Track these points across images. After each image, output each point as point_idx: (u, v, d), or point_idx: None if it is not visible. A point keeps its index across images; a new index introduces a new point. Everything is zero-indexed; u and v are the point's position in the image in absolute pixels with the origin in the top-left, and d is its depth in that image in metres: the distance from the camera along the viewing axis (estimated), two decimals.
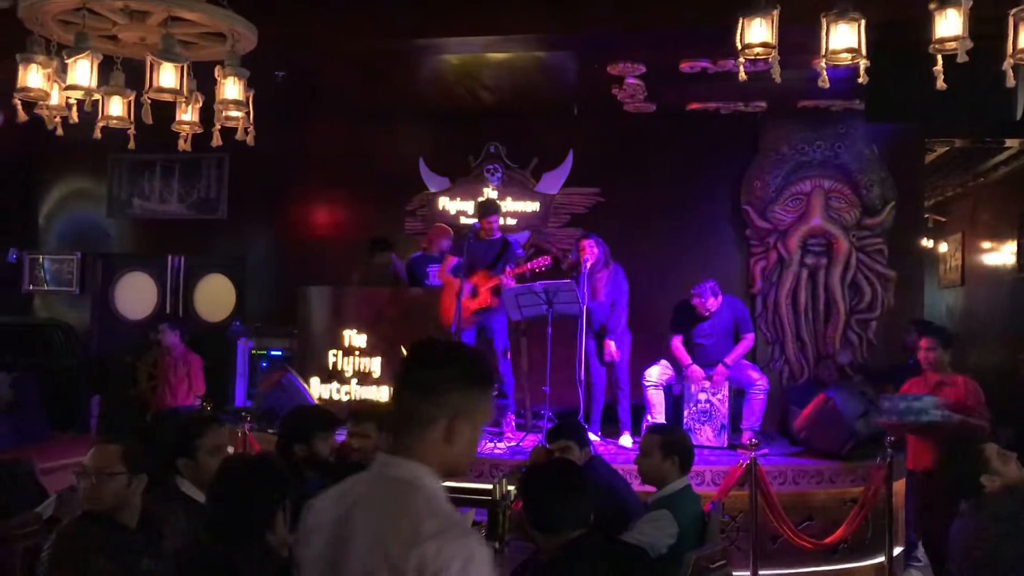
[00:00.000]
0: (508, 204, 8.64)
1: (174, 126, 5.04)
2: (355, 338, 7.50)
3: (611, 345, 6.84)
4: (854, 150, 8.18)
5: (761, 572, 5.61)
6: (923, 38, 3.96)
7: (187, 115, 4.99)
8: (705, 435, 6.67)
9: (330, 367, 7.50)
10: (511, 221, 8.63)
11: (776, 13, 4.03)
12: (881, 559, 6.04)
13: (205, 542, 2.69)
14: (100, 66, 4.39)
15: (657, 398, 6.75)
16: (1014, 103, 5.50)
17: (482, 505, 4.19)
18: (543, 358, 6.59)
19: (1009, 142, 8.66)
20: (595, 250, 6.78)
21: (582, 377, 6.67)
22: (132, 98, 4.77)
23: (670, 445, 3.99)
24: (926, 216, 10.34)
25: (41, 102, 4.67)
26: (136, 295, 10.12)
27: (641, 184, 8.51)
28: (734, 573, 4.34)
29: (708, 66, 6.90)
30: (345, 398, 7.33)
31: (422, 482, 1.80)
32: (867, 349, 8.07)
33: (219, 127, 4.97)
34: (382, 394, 7.31)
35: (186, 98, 4.47)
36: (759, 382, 6.72)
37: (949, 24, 3.85)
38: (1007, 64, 3.87)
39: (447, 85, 8.00)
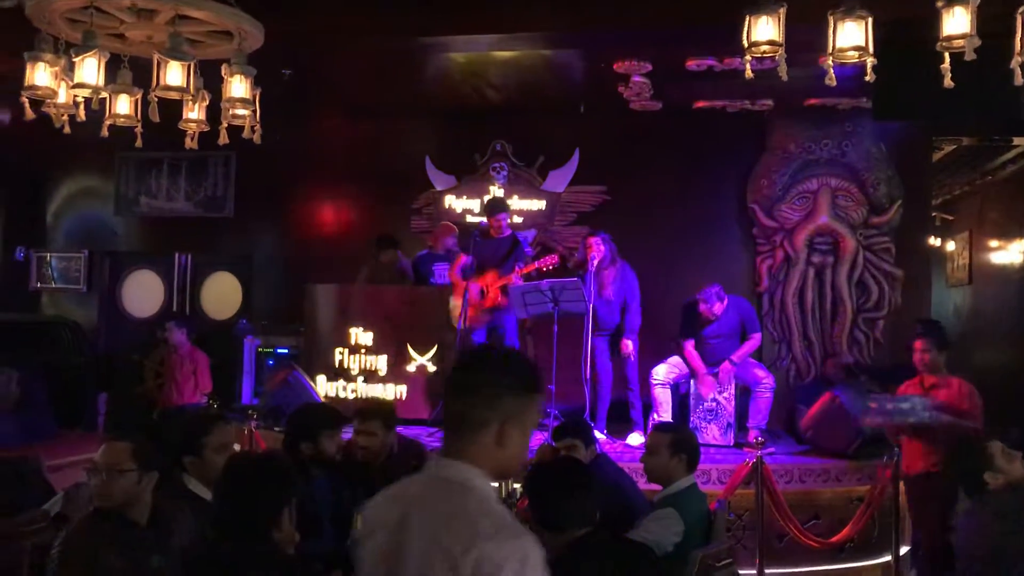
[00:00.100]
0: (514, 202, 8.62)
1: (181, 124, 5.05)
2: (361, 336, 7.50)
3: (628, 344, 6.83)
4: (861, 148, 8.16)
5: (767, 571, 5.60)
6: (931, 36, 3.96)
7: (194, 113, 5.01)
8: (711, 433, 6.67)
9: (336, 365, 7.51)
10: (517, 219, 8.62)
11: (783, 11, 4.03)
12: (888, 558, 6.03)
13: (212, 539, 2.70)
14: (107, 64, 4.41)
15: (664, 396, 6.74)
16: (1022, 101, 5.47)
17: None
18: (549, 356, 6.59)
19: (1017, 140, 8.63)
20: (601, 248, 6.76)
21: (588, 375, 6.67)
22: (139, 96, 4.78)
23: (678, 443, 3.98)
24: (933, 215, 10.29)
25: (49, 100, 4.69)
26: (143, 293, 10.15)
27: (647, 182, 8.50)
28: (740, 572, 4.33)
29: (715, 64, 6.88)
30: (351, 396, 7.34)
31: (474, 483, 1.84)
32: (874, 348, 8.05)
33: (226, 125, 4.98)
34: (388, 392, 7.32)
35: (193, 96, 4.48)
36: (765, 381, 6.71)
37: (957, 22, 3.84)
38: (1015, 62, 3.85)
39: (453, 83, 8.00)
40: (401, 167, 9.02)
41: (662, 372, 6.78)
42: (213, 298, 10.02)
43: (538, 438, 5.37)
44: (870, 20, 3.96)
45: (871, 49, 3.98)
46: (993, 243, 10.01)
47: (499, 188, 8.80)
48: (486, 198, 8.60)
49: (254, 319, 9.13)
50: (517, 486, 4.04)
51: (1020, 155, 9.03)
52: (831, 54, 4.01)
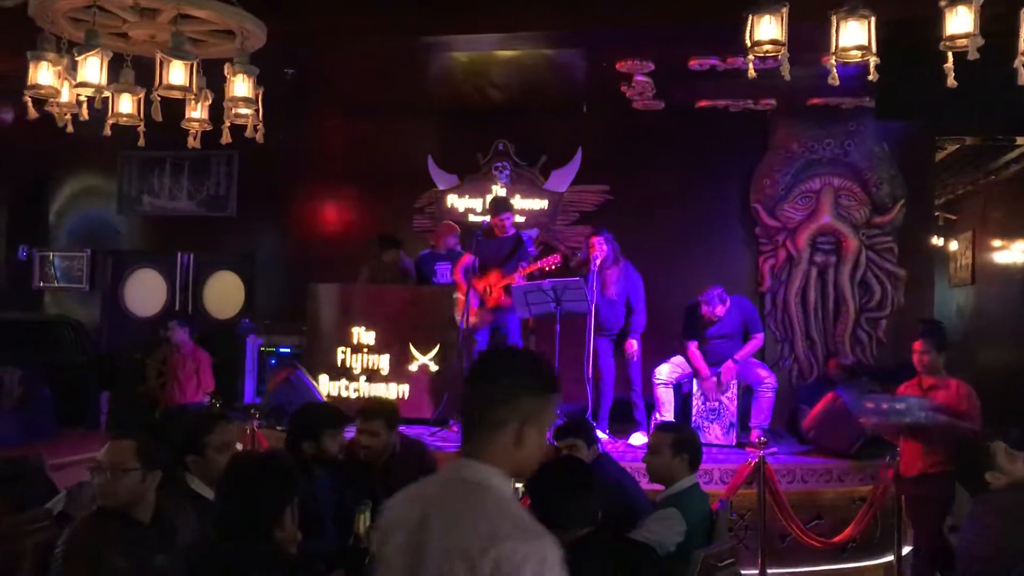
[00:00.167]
0: (517, 202, 8.61)
1: (183, 123, 5.06)
2: (363, 335, 7.50)
3: (633, 344, 6.83)
4: (864, 148, 8.15)
5: (769, 571, 5.59)
6: (934, 35, 3.95)
7: (196, 112, 5.01)
8: (714, 433, 6.66)
9: (338, 364, 7.51)
10: (520, 219, 8.62)
11: (785, 10, 4.02)
12: (890, 558, 6.03)
13: (214, 538, 2.70)
14: (110, 63, 4.41)
15: (666, 396, 6.74)
16: None
17: None
18: (552, 356, 6.58)
19: (1020, 140, 8.62)
20: (604, 247, 6.76)
21: (591, 375, 6.67)
22: (142, 95, 4.79)
23: (680, 443, 3.98)
24: (936, 214, 10.29)
25: (51, 99, 4.69)
26: (145, 292, 10.16)
27: (650, 182, 8.49)
28: (742, 572, 4.33)
29: (717, 63, 6.88)
30: (354, 395, 7.34)
31: (492, 483, 1.86)
32: (877, 348, 8.04)
33: (228, 124, 4.98)
34: (390, 391, 7.32)
35: (195, 95, 4.49)
36: (768, 380, 6.70)
37: (960, 21, 3.84)
38: (1018, 62, 3.85)
39: (456, 82, 8.00)
40: (403, 166, 9.02)
41: (665, 372, 6.78)
42: (215, 297, 10.03)
43: None
44: (873, 19, 3.96)
45: (874, 48, 3.97)
46: (996, 243, 10.00)
47: (501, 187, 8.80)
48: (488, 198, 8.61)
49: (256, 318, 9.13)
50: (519, 485, 4.04)
51: (1023, 155, 9.01)
52: (834, 53, 4.01)
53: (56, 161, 10.15)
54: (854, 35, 3.97)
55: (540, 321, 7.07)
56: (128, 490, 3.03)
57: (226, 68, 4.64)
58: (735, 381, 6.68)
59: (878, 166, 8.11)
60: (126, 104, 4.86)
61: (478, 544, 1.72)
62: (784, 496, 5.63)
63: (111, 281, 10.21)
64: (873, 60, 3.99)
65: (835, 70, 4.06)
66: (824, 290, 8.18)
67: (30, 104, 4.70)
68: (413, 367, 7.40)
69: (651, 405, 6.85)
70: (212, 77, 4.76)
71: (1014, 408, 6.52)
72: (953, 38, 3.86)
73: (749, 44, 4.06)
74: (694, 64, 6.94)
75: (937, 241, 10.67)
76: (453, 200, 8.96)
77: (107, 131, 4.92)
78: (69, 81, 4.54)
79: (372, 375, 7.45)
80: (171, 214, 10.00)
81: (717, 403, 6.70)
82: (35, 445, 6.43)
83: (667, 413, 6.68)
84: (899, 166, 8.13)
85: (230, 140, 5.00)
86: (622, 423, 6.96)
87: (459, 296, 7.07)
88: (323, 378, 7.46)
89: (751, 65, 4.13)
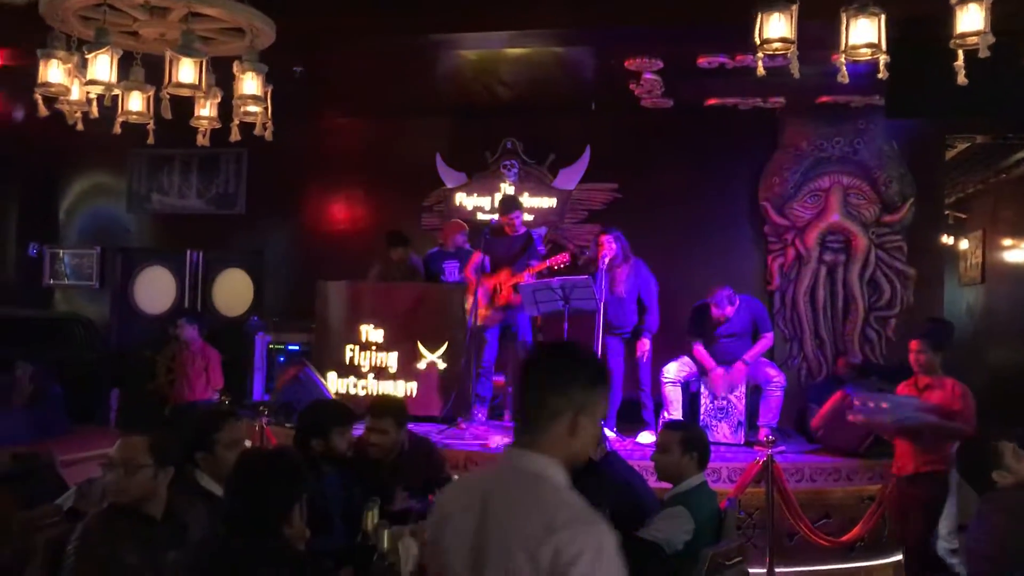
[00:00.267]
0: (525, 200, 8.60)
1: (193, 121, 5.07)
2: (372, 333, 7.51)
3: (645, 344, 6.82)
4: (873, 146, 8.12)
5: (777, 569, 5.59)
6: (944, 33, 3.94)
7: (206, 110, 5.03)
8: (722, 432, 6.65)
9: (347, 362, 7.52)
10: (528, 217, 8.62)
11: (795, 8, 4.01)
12: (898, 557, 5.99)
13: (222, 535, 2.70)
14: (120, 61, 4.43)
15: (675, 395, 6.73)
16: None
17: None
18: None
19: None
20: (613, 245, 6.75)
21: None
22: (151, 93, 4.80)
23: (689, 441, 3.98)
24: (946, 213, 10.24)
25: (62, 97, 4.71)
26: (155, 289, 10.20)
27: (658, 180, 8.48)
28: (750, 570, 4.32)
29: (726, 61, 6.87)
30: (362, 393, 7.35)
31: (547, 473, 1.90)
32: (886, 347, 8.01)
33: (237, 122, 5.00)
34: (399, 389, 7.33)
35: (205, 93, 4.50)
36: (776, 379, 6.69)
37: (971, 19, 3.82)
38: None
39: (464, 81, 8.00)
40: (412, 164, 9.03)
41: (673, 370, 6.77)
42: (225, 295, 10.06)
43: None
44: (883, 17, 3.95)
45: (884, 46, 3.96)
46: (1007, 241, 9.96)
47: (510, 185, 8.80)
48: (497, 196, 8.61)
49: (265, 316, 9.16)
50: None
51: None
52: (844, 51, 3.99)
53: (66, 159, 10.20)
54: (864, 33, 3.95)
55: (548, 319, 7.07)
56: (140, 486, 3.03)
57: (235, 66, 4.65)
58: (745, 381, 6.67)
59: (888, 164, 8.08)
60: (136, 102, 4.88)
61: (536, 534, 1.77)
62: (792, 495, 5.62)
63: (121, 278, 10.26)
64: (883, 58, 3.98)
65: (844, 68, 4.04)
66: (833, 289, 8.15)
67: (40, 102, 4.72)
68: (421, 365, 7.41)
69: (659, 404, 6.85)
70: (222, 75, 4.77)
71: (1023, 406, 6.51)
72: (964, 36, 3.85)
73: (758, 42, 4.06)
74: (703, 62, 6.92)
75: (947, 240, 10.62)
76: (461, 198, 8.97)
77: (117, 129, 4.94)
78: (79, 79, 4.56)
79: (380, 373, 7.46)
80: (180, 212, 10.04)
81: (725, 402, 6.69)
82: (46, 442, 6.47)
83: (675, 412, 6.68)
84: (909, 164, 8.09)
85: (239, 138, 5.02)
86: (630, 422, 6.95)
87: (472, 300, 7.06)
88: (331, 375, 7.48)
89: (760, 63, 4.12)
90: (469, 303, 7.07)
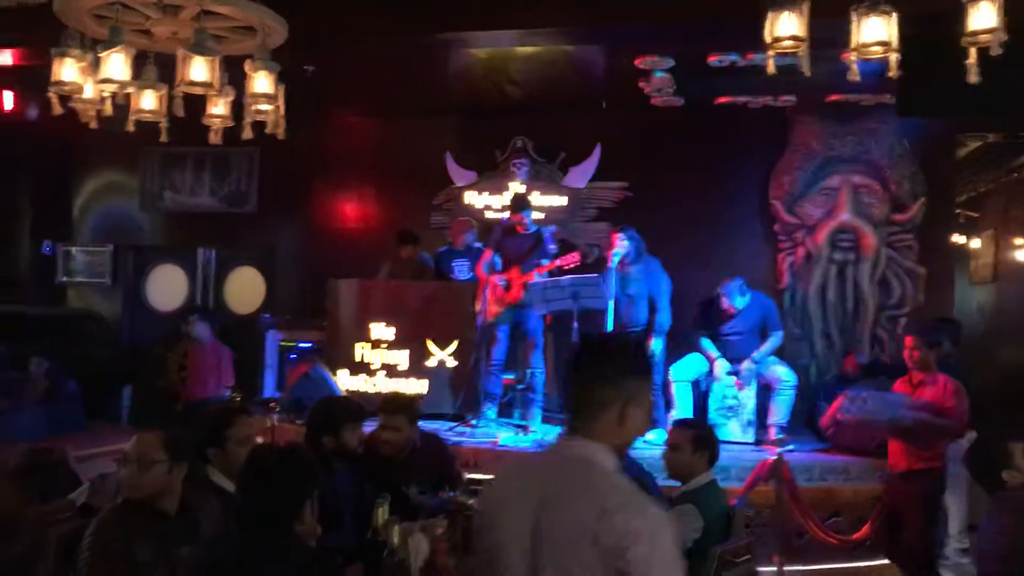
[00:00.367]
0: (535, 198, 8.59)
1: (205, 119, 5.09)
2: (383, 331, 7.54)
3: (653, 342, 6.81)
4: (884, 145, 8.10)
5: (786, 568, 5.58)
6: (956, 31, 3.92)
7: (218, 109, 5.04)
8: (731, 430, 6.64)
9: (358, 359, 7.54)
10: (538, 215, 8.62)
11: (806, 6, 4.00)
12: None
13: (234, 532, 2.72)
14: (133, 60, 4.45)
15: (683, 393, 6.72)
16: None
17: None
18: (568, 352, 6.56)
19: None
20: (624, 244, 6.73)
21: None
22: (164, 92, 4.82)
23: (700, 439, 3.98)
24: (957, 212, 10.19)
25: (76, 96, 4.74)
26: (167, 287, 10.25)
27: (669, 179, 8.45)
28: (759, 569, 4.33)
29: (737, 60, 6.86)
30: (372, 390, 7.37)
31: (597, 459, 1.96)
32: (896, 346, 7.99)
33: (250, 121, 5.02)
34: (409, 386, 7.35)
35: (218, 91, 4.52)
36: (787, 379, 6.67)
37: (983, 16, 3.81)
38: None
39: (474, 79, 8.01)
40: (422, 163, 9.04)
41: (681, 369, 6.76)
42: (236, 292, 10.10)
43: None
44: (894, 15, 3.93)
45: (895, 45, 3.94)
46: (1018, 240, 9.90)
47: (520, 184, 8.80)
48: (507, 194, 8.61)
49: (277, 313, 9.19)
50: None
51: None
52: (855, 50, 3.98)
53: (79, 157, 10.27)
54: (875, 31, 3.94)
55: (558, 318, 7.07)
56: (155, 482, 3.04)
57: (247, 65, 4.66)
58: (754, 380, 6.65)
59: (898, 163, 8.06)
60: (149, 100, 4.90)
61: (592, 519, 1.82)
62: (802, 493, 5.61)
63: (133, 276, 10.32)
64: (894, 56, 3.96)
65: (855, 66, 4.03)
66: (843, 288, 8.14)
67: (55, 100, 4.75)
68: (431, 363, 7.43)
69: (668, 403, 6.84)
70: (234, 74, 4.79)
71: None
72: (976, 34, 3.83)
73: (769, 40, 4.04)
74: (714, 60, 6.92)
75: (958, 239, 10.57)
76: (471, 197, 8.97)
77: (130, 127, 4.96)
78: (93, 77, 4.59)
79: (391, 370, 7.49)
80: (193, 210, 10.08)
81: (735, 400, 6.68)
82: (59, 438, 6.51)
83: (684, 410, 6.67)
84: (920, 163, 8.07)
85: (251, 136, 5.04)
86: None
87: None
88: (342, 373, 7.50)
89: (771, 61, 4.11)
90: (479, 301, 7.08)
